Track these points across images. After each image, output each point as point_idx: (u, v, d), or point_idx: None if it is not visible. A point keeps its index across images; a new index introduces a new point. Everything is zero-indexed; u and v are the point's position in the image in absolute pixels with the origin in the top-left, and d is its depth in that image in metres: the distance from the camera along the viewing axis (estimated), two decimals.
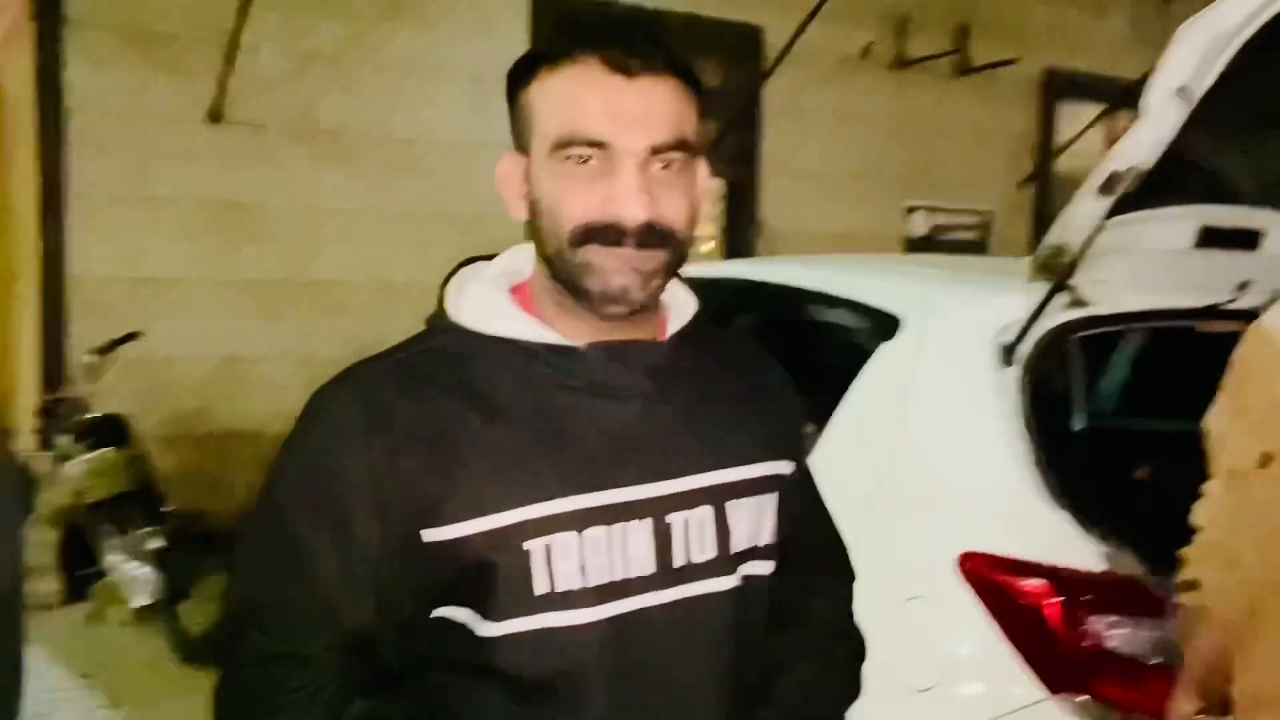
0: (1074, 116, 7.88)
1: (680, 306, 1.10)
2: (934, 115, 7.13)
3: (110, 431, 3.88)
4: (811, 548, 1.21)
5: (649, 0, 5.95)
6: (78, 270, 4.87)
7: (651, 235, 0.96)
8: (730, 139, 6.41)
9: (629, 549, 0.99)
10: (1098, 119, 7.66)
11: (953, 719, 1.74)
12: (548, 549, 0.96)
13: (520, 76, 1.00)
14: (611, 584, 0.98)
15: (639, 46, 0.95)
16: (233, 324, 5.21)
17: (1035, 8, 7.41)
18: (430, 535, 0.96)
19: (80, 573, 4.28)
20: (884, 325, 2.12)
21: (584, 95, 0.95)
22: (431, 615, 0.99)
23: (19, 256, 5.20)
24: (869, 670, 1.25)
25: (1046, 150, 7.68)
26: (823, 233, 6.68)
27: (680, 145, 0.97)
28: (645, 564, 1.00)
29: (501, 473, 0.97)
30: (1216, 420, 1.52)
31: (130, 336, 4.25)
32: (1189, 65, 1.57)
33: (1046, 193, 7.73)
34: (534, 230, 1.01)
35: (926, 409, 1.99)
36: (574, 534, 0.97)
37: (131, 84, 4.90)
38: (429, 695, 1.01)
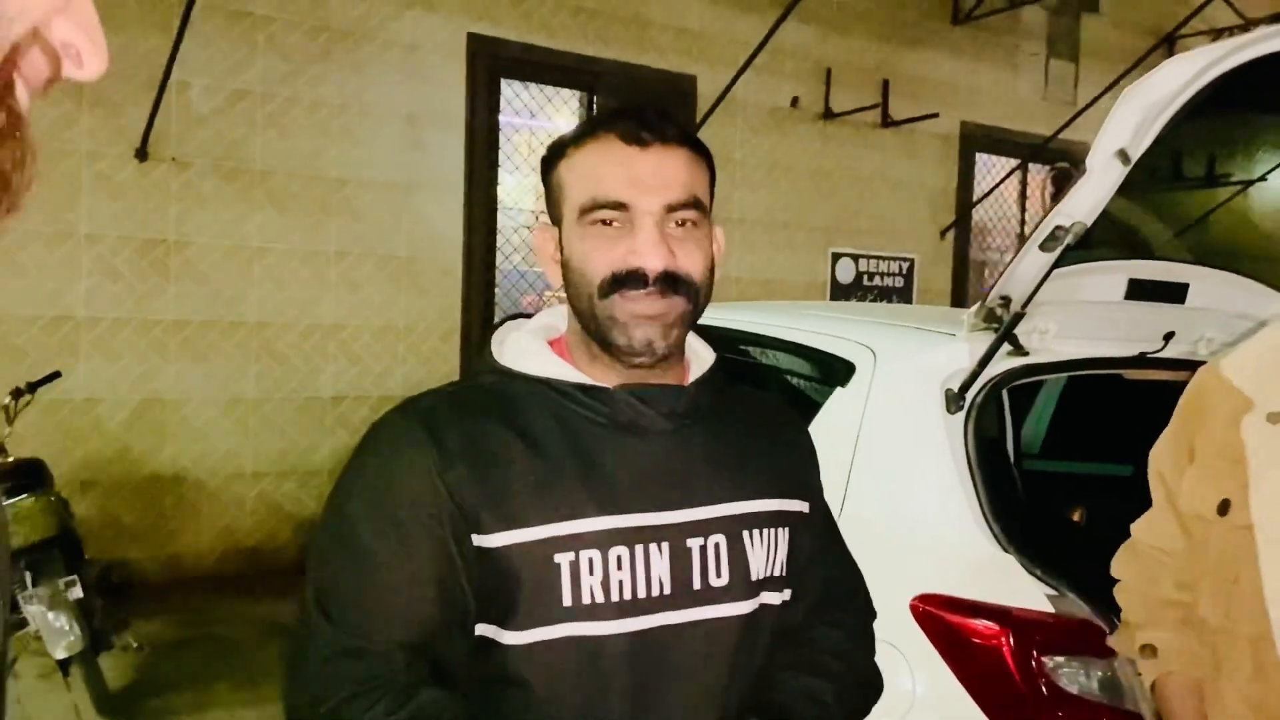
0: (990, 169, 8.19)
1: (700, 358, 1.22)
2: (858, 166, 7.35)
3: (29, 477, 3.72)
4: (826, 582, 1.29)
5: (588, 48, 6.06)
6: None
7: (671, 283, 1.08)
8: None
9: (650, 569, 1.08)
10: (1013, 172, 7.99)
11: None
12: (574, 564, 1.05)
13: (552, 159, 1.14)
14: (634, 600, 1.07)
15: (649, 122, 1.09)
16: (156, 365, 5.08)
17: (952, 65, 7.72)
18: (477, 541, 1.05)
19: None
20: (837, 371, 2.18)
21: (605, 165, 1.09)
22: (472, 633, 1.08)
23: None
24: None
25: (965, 200, 7.96)
26: (751, 279, 6.82)
27: (692, 204, 1.10)
28: (664, 584, 1.09)
29: (535, 493, 1.07)
30: (1161, 458, 1.50)
31: (50, 377, 4.09)
32: (1128, 129, 1.67)
33: (966, 241, 8.00)
34: (567, 288, 1.13)
35: (878, 453, 2.05)
36: (598, 552, 1.06)
37: (55, 119, 4.78)
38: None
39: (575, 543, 1.06)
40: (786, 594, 1.21)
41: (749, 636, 1.14)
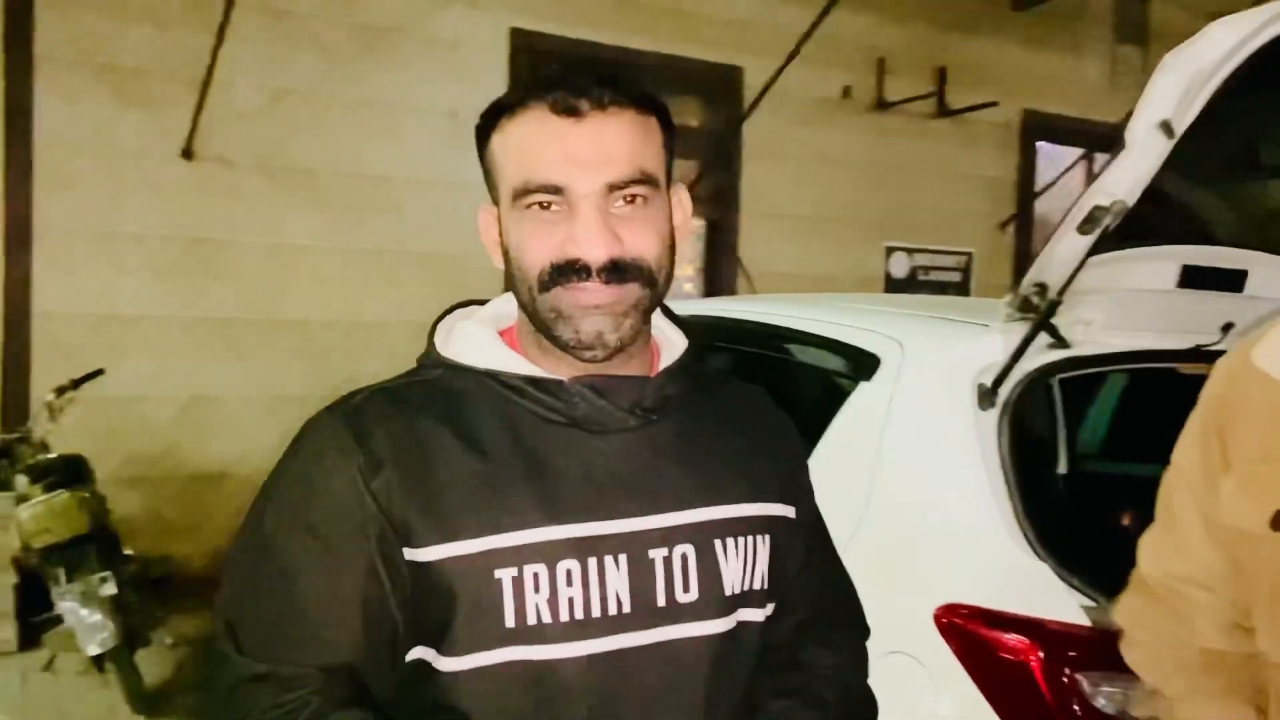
0: (1054, 159, 7.92)
1: (671, 344, 1.10)
2: (913, 157, 7.14)
3: (68, 473, 3.75)
4: (817, 596, 1.17)
5: (631, 40, 5.97)
6: (42, 307, 4.77)
7: (617, 271, 0.96)
8: (709, 179, 6.39)
9: (605, 585, 0.96)
10: (1077, 161, 7.71)
11: None
12: (517, 580, 0.94)
13: (484, 130, 1.01)
14: (586, 620, 0.96)
15: (586, 88, 0.95)
16: (199, 363, 5.11)
17: (1013, 52, 7.47)
18: (409, 555, 0.95)
19: (35, 619, 4.14)
20: (862, 365, 2.06)
21: (536, 142, 0.96)
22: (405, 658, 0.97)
23: None
24: None
25: (1027, 192, 7.70)
26: (802, 273, 6.66)
27: (640, 179, 0.97)
28: (622, 601, 0.97)
29: (474, 500, 0.95)
30: (1188, 460, 1.26)
31: (93, 375, 4.13)
32: (1171, 99, 1.52)
33: (1027, 234, 7.74)
34: (509, 278, 1.02)
35: (903, 452, 1.92)
36: (544, 566, 0.95)
37: (101, 119, 4.83)
38: None
39: (518, 556, 0.94)
40: (769, 609, 1.09)
41: (726, 658, 1.02)
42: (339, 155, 5.35)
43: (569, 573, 0.95)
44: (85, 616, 3.38)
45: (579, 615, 0.95)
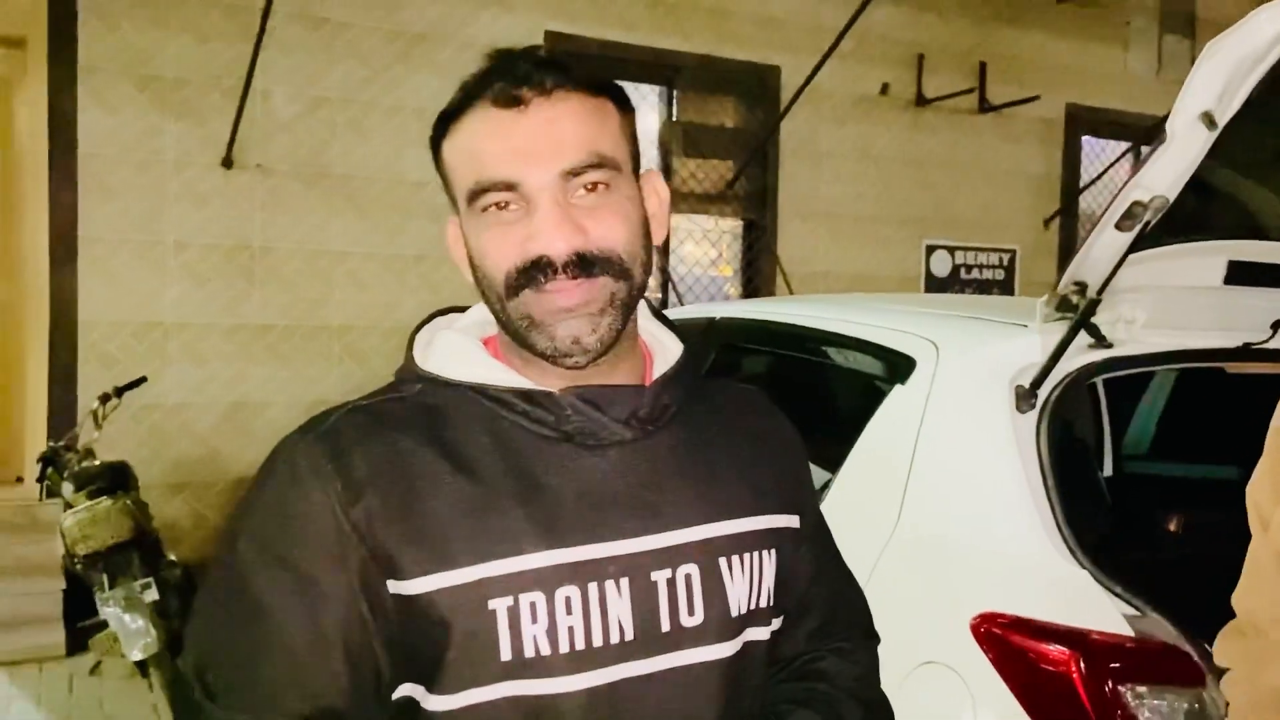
0: (1099, 153, 7.78)
1: (665, 350, 1.04)
2: (954, 154, 7.04)
3: (112, 480, 3.80)
4: (829, 605, 1.11)
5: (667, 41, 5.95)
6: (87, 315, 4.84)
7: (585, 265, 0.89)
8: (747, 179, 6.35)
9: (607, 612, 0.90)
10: (1123, 155, 7.56)
11: None
12: (513, 610, 0.88)
13: (436, 141, 0.97)
14: (588, 650, 0.90)
15: (525, 76, 0.90)
16: (241, 369, 5.16)
17: (1055, 44, 7.34)
18: (394, 588, 0.88)
19: (81, 624, 4.20)
20: (897, 367, 2.01)
21: (483, 139, 0.91)
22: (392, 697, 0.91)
23: (30, 301, 5.20)
24: None
25: (1072, 187, 7.57)
26: (841, 273, 6.60)
27: (597, 163, 0.91)
28: (625, 628, 0.91)
29: (465, 525, 0.89)
30: (1260, 495, 1.18)
31: (136, 382, 4.19)
32: (1213, 89, 1.47)
33: (1073, 231, 7.61)
34: (479, 289, 0.96)
35: (939, 456, 1.87)
36: (542, 594, 0.88)
37: (143, 129, 4.90)
38: None
39: (514, 584, 0.87)
40: (776, 624, 1.03)
41: (734, 682, 0.96)
42: (377, 161, 5.38)
43: (568, 600, 0.89)
44: (128, 622, 3.41)
45: (580, 645, 0.89)
